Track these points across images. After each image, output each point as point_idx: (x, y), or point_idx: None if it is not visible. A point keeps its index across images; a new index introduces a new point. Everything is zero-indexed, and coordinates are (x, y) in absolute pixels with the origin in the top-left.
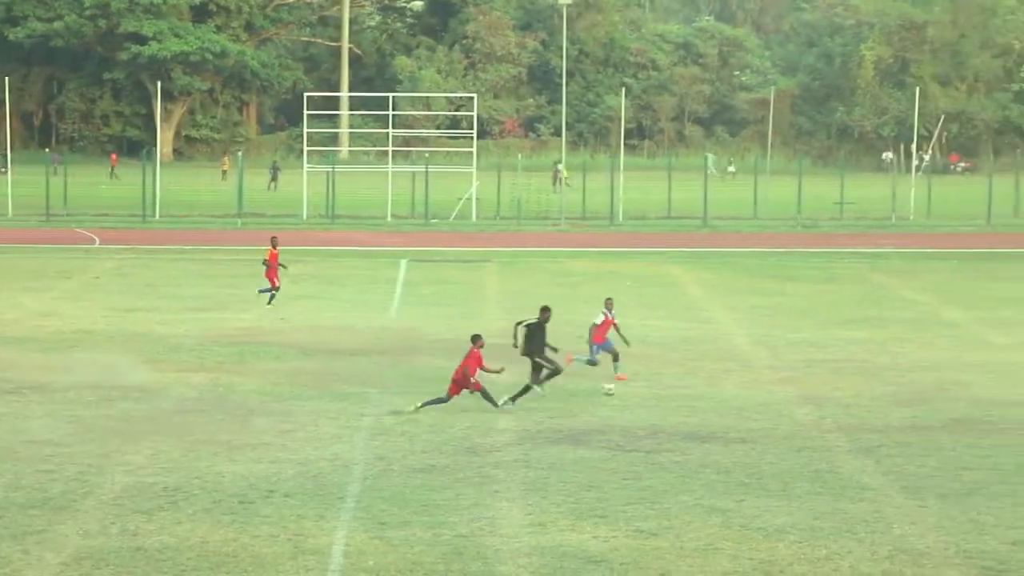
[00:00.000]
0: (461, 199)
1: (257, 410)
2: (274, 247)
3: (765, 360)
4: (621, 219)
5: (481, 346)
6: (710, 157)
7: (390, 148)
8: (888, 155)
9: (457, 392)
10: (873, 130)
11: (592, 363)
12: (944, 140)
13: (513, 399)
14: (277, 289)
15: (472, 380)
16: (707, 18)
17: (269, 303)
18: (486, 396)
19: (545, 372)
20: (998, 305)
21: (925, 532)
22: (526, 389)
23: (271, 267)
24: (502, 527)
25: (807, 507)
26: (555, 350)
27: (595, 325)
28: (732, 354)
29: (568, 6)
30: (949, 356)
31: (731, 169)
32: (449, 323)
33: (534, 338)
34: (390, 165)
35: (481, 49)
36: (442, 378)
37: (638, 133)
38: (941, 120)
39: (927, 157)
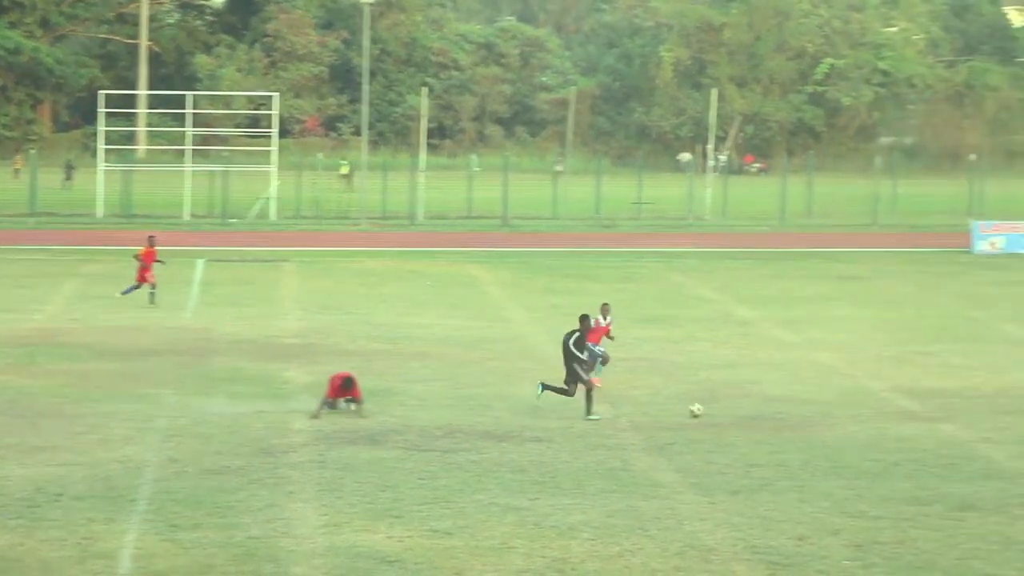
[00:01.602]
0: (261, 198)
1: (47, 412)
2: (152, 246)
3: (561, 359)
4: (421, 219)
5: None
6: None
7: (188, 147)
8: (685, 156)
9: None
10: (671, 131)
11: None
12: (740, 141)
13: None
14: (154, 286)
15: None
16: (508, 18)
17: (151, 302)
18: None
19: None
20: (790, 304)
21: (715, 528)
22: (587, 394)
23: (146, 266)
24: (296, 528)
25: (600, 505)
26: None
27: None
28: (530, 353)
29: (370, 5)
30: (741, 354)
31: (558, 168)
32: (246, 323)
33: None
34: (188, 164)
35: (282, 48)
36: (239, 379)
37: (439, 133)
38: (737, 121)
39: (723, 158)
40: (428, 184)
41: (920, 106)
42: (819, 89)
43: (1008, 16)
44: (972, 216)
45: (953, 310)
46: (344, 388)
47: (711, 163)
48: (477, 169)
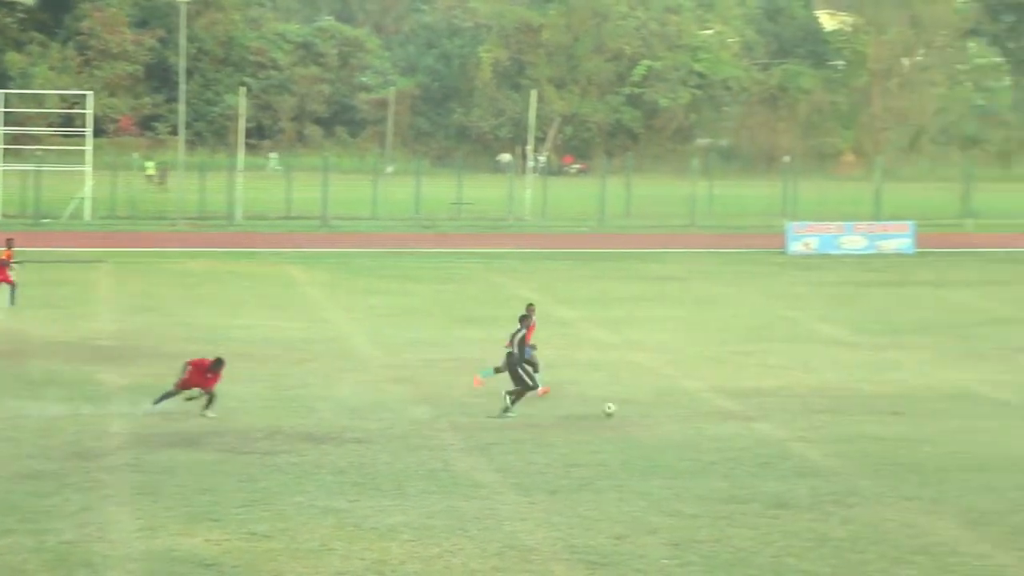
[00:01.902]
0: (75, 198)
1: None
2: (9, 247)
3: (381, 360)
4: (240, 219)
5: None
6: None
7: (0, 146)
8: (505, 156)
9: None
10: (491, 131)
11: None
12: (559, 142)
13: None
14: (14, 286)
15: None
16: (327, 18)
17: (12, 303)
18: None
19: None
20: (609, 304)
21: (535, 528)
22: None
23: (2, 267)
24: (111, 532)
25: (421, 506)
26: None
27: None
28: (349, 354)
29: (186, 4)
30: (561, 355)
31: (389, 170)
32: (61, 325)
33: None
34: (0, 163)
35: (96, 46)
36: (53, 381)
37: (258, 132)
38: (556, 122)
39: (543, 159)
40: (247, 184)
41: (735, 108)
42: (637, 91)
43: (820, 20)
44: (786, 217)
45: (769, 310)
46: (211, 371)
47: (531, 164)
48: (277, 168)
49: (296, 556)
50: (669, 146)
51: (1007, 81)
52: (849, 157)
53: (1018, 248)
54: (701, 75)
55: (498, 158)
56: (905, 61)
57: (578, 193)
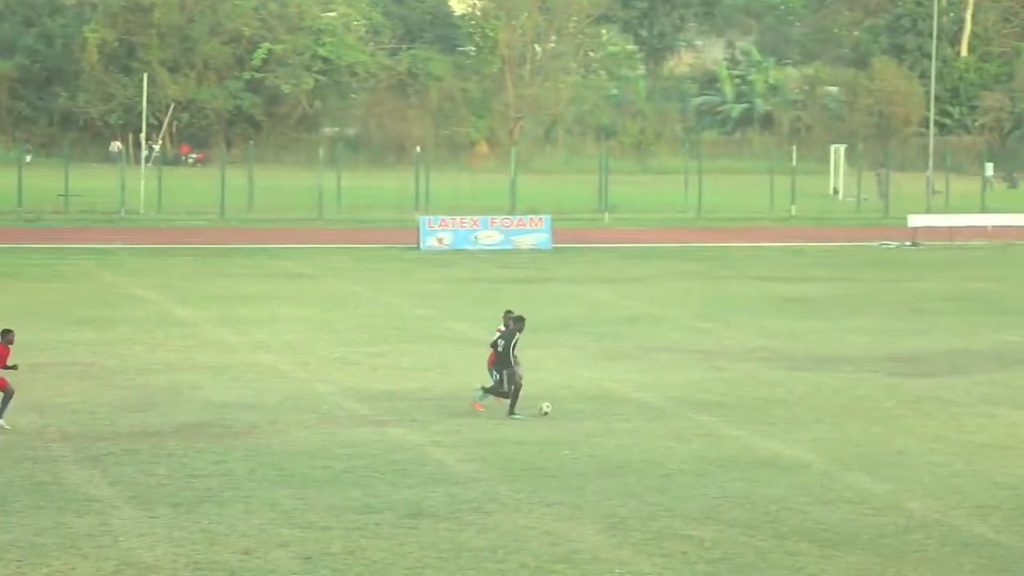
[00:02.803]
0: None
1: None
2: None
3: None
4: None
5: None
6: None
7: None
8: (116, 145)
9: None
10: (100, 117)
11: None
12: (175, 129)
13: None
14: None
15: None
16: None
17: None
18: None
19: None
20: (233, 303)
21: (154, 544)
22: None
23: None
24: None
25: (28, 522)
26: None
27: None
28: None
29: None
30: (182, 357)
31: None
32: None
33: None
34: None
35: None
36: None
37: None
38: (171, 108)
39: (157, 147)
40: None
41: (363, 95)
42: (257, 75)
43: (449, 3)
44: (419, 211)
45: (402, 309)
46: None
47: (144, 153)
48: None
49: None
50: (293, 135)
51: (641, 70)
52: (483, 147)
53: (654, 244)
54: (325, 60)
55: (110, 147)
56: (537, 48)
57: (196, 184)
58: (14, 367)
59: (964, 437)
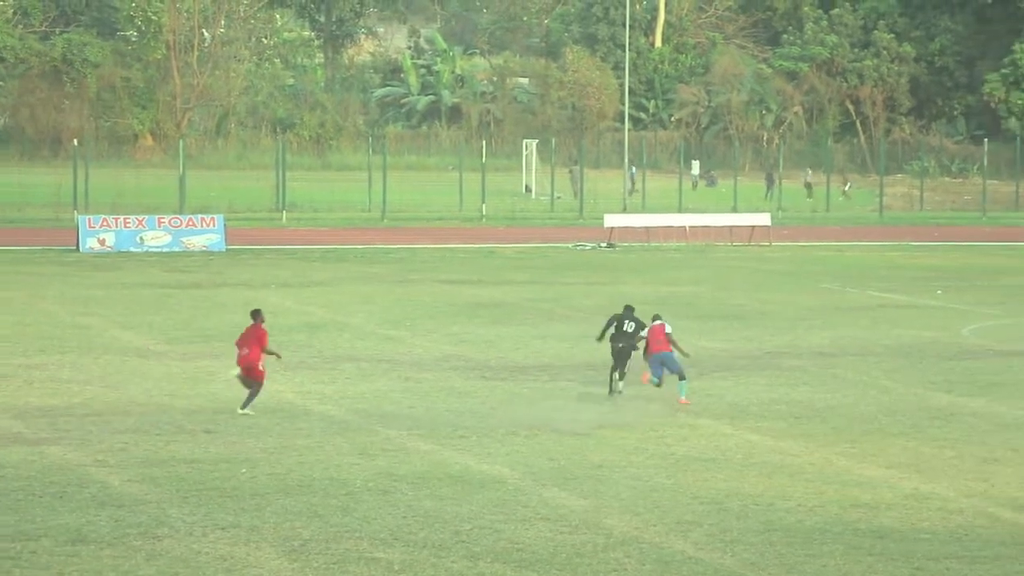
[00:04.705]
0: None
1: None
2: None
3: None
4: None
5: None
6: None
7: None
8: None
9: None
10: None
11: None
12: None
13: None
14: None
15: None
16: None
17: None
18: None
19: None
20: None
21: None
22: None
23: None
24: None
25: None
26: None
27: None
28: None
29: None
30: None
31: None
32: None
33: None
34: None
35: None
36: None
37: None
38: None
39: None
40: None
41: (12, 83)
42: None
43: None
44: (78, 210)
45: (61, 317)
46: None
47: None
48: None
49: None
50: None
51: (319, 58)
52: (148, 141)
53: (336, 245)
54: None
55: None
56: (206, 33)
57: None
58: (277, 355)
59: (664, 449)
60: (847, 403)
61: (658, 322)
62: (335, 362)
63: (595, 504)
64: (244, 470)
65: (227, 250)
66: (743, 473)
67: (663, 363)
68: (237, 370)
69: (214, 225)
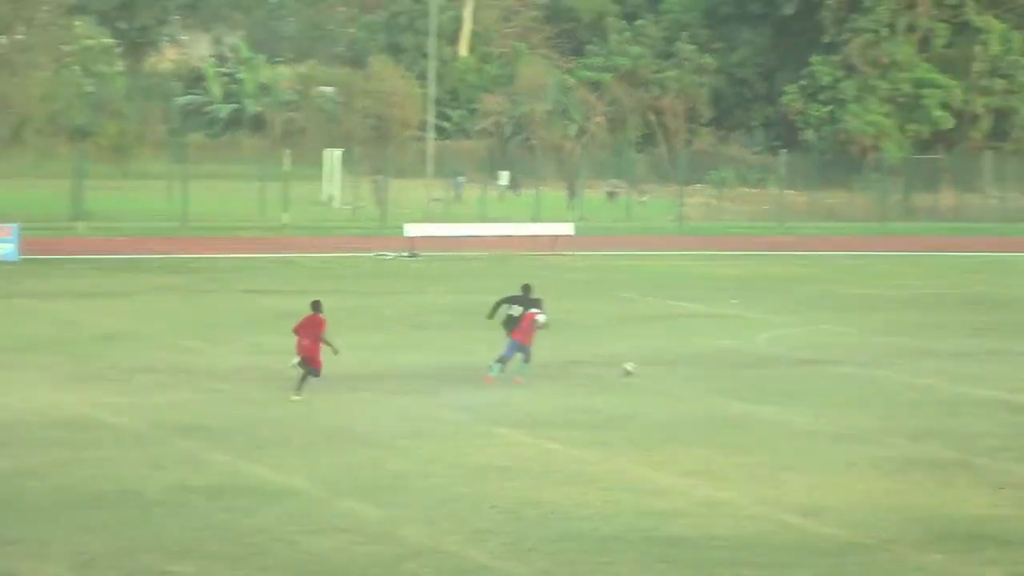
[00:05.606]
0: None
1: None
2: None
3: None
4: None
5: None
6: None
7: None
8: None
9: None
10: None
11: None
12: None
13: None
14: None
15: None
16: None
17: None
18: None
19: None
20: None
21: None
22: None
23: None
24: None
25: None
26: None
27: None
28: None
29: None
30: None
31: None
32: None
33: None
34: None
35: None
36: None
37: None
38: None
39: None
40: None
41: None
42: None
43: None
44: None
45: None
46: None
47: None
48: None
49: None
50: None
51: (120, 66)
52: None
53: (135, 255)
54: None
55: None
56: (3, 39)
57: None
58: (333, 348)
59: (462, 458)
60: (644, 412)
61: (534, 310)
62: (131, 373)
63: (392, 514)
64: (33, 483)
65: (21, 260)
66: (540, 482)
67: (520, 351)
68: (297, 359)
69: (9, 235)
